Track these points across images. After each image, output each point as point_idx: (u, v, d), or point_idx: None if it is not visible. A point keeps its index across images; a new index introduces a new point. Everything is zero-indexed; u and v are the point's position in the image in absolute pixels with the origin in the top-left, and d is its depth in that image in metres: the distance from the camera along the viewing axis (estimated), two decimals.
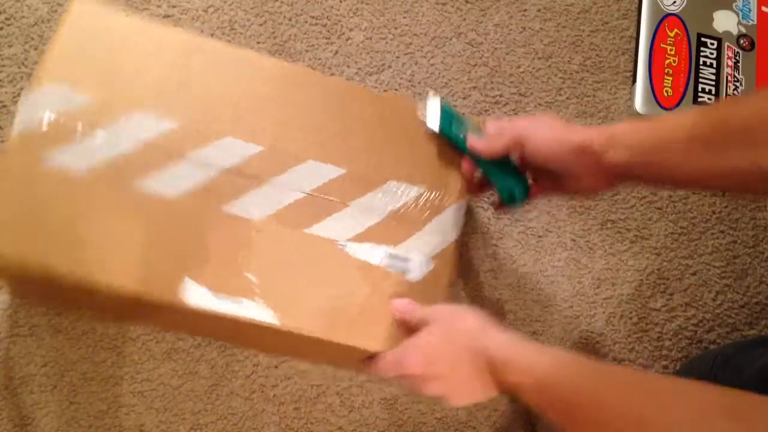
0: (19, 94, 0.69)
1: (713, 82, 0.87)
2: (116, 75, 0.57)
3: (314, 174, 0.59)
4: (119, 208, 0.54)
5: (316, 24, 0.80)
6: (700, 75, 0.87)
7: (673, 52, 0.88)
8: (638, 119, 0.54)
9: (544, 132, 0.56)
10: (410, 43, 0.82)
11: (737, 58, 0.89)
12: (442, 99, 0.62)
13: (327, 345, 0.56)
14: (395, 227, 0.59)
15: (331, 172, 0.59)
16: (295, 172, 0.58)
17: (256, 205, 0.57)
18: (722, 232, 0.83)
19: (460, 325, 0.53)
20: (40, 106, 0.54)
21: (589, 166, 0.54)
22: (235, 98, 0.59)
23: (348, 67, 0.79)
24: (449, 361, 0.52)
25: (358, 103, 0.62)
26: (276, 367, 0.68)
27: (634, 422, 0.41)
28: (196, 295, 0.53)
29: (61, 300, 0.63)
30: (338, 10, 0.81)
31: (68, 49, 0.56)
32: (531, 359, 0.49)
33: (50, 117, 0.54)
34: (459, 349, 0.52)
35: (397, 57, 0.81)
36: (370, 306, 0.57)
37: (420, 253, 0.59)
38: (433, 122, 0.60)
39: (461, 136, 0.60)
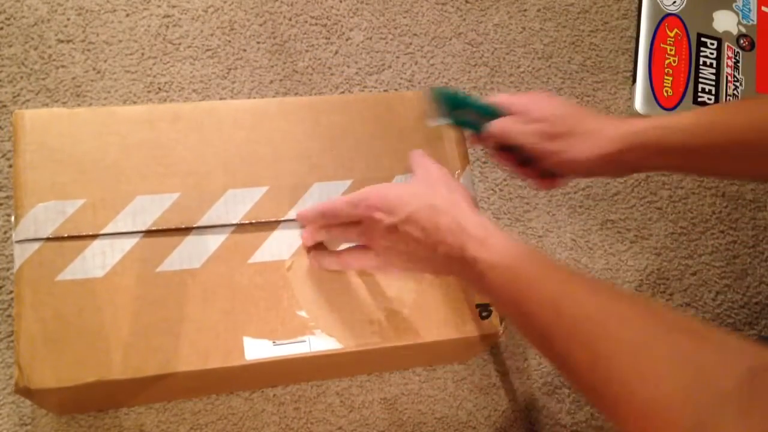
0: (18, 94, 0.69)
1: (713, 82, 0.87)
2: (96, 169, 0.55)
3: (324, 195, 0.59)
4: (150, 297, 0.53)
5: (316, 24, 0.80)
6: (700, 75, 0.87)
7: (673, 52, 0.88)
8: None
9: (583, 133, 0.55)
10: (410, 43, 0.82)
11: (737, 58, 0.89)
12: (439, 89, 0.61)
13: (399, 350, 0.58)
14: None
15: (339, 187, 0.59)
16: (305, 201, 0.58)
17: (280, 245, 0.57)
18: (722, 232, 0.83)
19: (439, 191, 0.50)
20: (37, 229, 0.53)
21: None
22: (219, 151, 0.58)
23: (348, 67, 0.79)
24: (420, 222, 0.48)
25: (332, 114, 0.62)
26: None
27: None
28: (258, 351, 0.54)
29: (112, 401, 0.63)
30: (338, 10, 0.81)
31: (37, 164, 0.54)
32: (506, 243, 0.45)
33: (49, 235, 0.52)
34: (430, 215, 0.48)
35: (397, 57, 0.81)
36: (422, 299, 0.58)
37: None
38: (436, 118, 0.60)
39: (471, 120, 0.59)
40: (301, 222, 0.57)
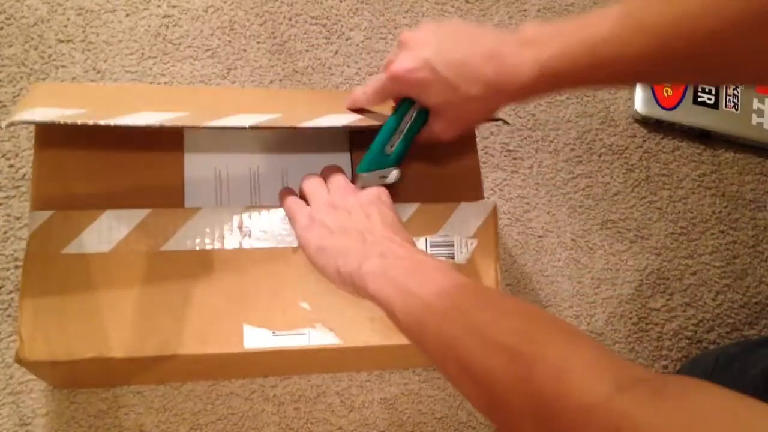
0: (19, 94, 0.69)
1: None
2: (103, 100, 0.55)
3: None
4: (154, 276, 0.53)
5: (316, 24, 0.80)
6: None
7: None
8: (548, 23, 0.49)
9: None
10: None
11: None
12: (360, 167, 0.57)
13: (398, 349, 0.57)
14: (427, 216, 0.59)
15: (347, 118, 0.58)
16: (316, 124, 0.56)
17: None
18: (722, 232, 0.83)
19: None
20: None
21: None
22: (229, 97, 0.59)
23: (348, 67, 0.79)
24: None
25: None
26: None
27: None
28: (257, 340, 0.54)
29: (110, 378, 0.63)
30: (338, 10, 0.81)
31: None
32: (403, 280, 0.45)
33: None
34: None
35: None
36: None
37: (459, 233, 0.58)
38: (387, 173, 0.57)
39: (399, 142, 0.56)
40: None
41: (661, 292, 0.79)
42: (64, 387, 0.63)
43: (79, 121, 0.47)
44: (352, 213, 0.50)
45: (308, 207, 0.53)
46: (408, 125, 0.55)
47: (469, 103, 0.51)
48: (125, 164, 0.56)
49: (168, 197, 0.56)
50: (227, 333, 0.53)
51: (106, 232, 0.53)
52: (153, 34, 0.75)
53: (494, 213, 0.60)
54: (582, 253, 0.79)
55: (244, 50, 0.77)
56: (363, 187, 0.54)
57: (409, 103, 0.55)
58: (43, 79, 0.70)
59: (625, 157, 0.84)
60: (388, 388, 0.69)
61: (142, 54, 0.74)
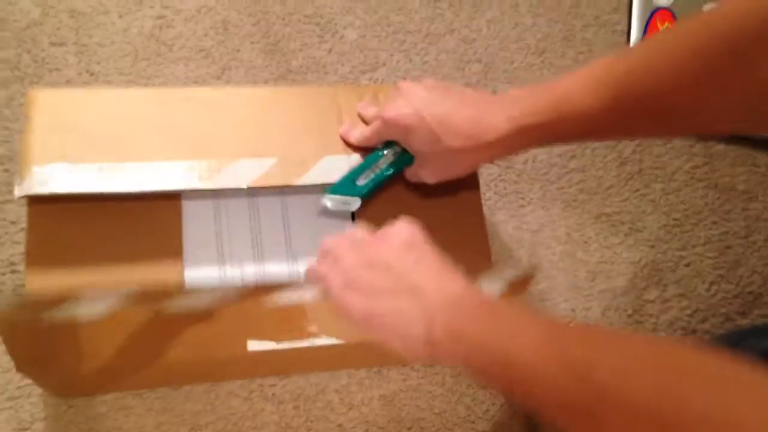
0: (12, 98, 0.69)
1: None
2: (106, 142, 0.55)
3: (333, 168, 0.59)
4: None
5: (309, 23, 0.80)
6: None
7: None
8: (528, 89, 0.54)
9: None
10: (404, 41, 0.82)
11: None
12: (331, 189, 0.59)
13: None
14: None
15: (349, 161, 0.60)
16: (312, 173, 0.58)
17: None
18: (714, 223, 0.84)
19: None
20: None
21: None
22: (227, 127, 0.58)
23: (342, 65, 0.79)
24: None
25: (348, 96, 0.63)
26: None
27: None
28: (260, 346, 0.55)
29: (108, 381, 0.63)
30: (331, 9, 0.81)
31: (47, 136, 0.54)
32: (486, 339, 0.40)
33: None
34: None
35: (391, 55, 0.81)
36: None
37: None
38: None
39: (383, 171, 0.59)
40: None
41: (655, 284, 0.80)
42: (63, 394, 0.63)
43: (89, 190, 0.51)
44: (392, 267, 0.46)
45: (339, 265, 0.48)
46: (385, 165, 0.59)
47: (451, 154, 0.54)
48: (122, 215, 0.56)
49: (166, 251, 0.56)
50: (230, 343, 0.54)
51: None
52: (146, 35, 0.75)
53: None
54: (577, 247, 0.79)
55: (238, 50, 0.77)
56: (326, 208, 0.58)
57: (392, 147, 0.59)
58: (37, 83, 0.70)
59: (618, 151, 0.84)
60: (387, 385, 0.69)
61: (136, 56, 0.74)
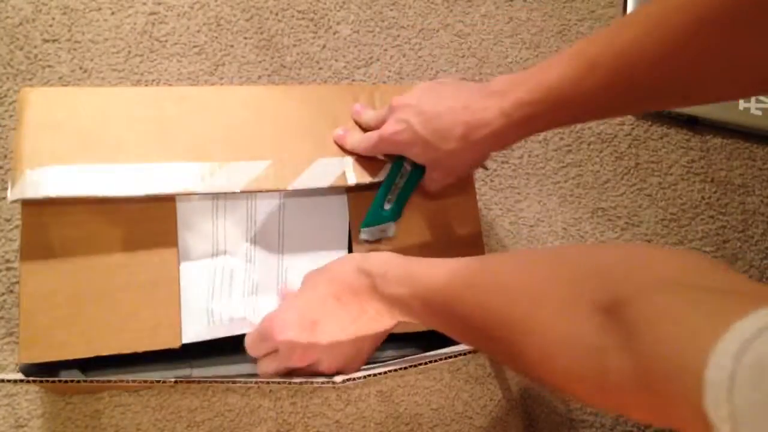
0: (5, 95, 0.69)
1: None
2: (100, 143, 0.55)
3: (326, 169, 0.59)
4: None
5: (303, 18, 0.79)
6: None
7: None
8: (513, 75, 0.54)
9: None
10: (398, 36, 0.82)
11: None
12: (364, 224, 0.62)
13: None
14: None
15: (342, 163, 0.60)
16: (306, 174, 0.59)
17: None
18: (711, 217, 0.84)
19: (334, 268, 0.53)
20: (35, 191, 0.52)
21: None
22: (221, 129, 0.58)
23: (336, 61, 0.79)
24: (314, 317, 0.51)
25: (340, 98, 0.63)
26: None
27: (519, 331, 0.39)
28: None
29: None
30: (325, 4, 0.80)
31: (39, 135, 0.54)
32: (413, 269, 0.47)
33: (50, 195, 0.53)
34: (324, 297, 0.51)
35: (385, 50, 0.81)
36: None
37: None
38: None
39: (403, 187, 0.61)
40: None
41: None
42: (60, 391, 0.62)
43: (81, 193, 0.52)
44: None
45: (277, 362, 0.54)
46: (403, 182, 0.60)
47: (452, 157, 0.56)
48: (117, 213, 0.56)
49: (161, 250, 0.56)
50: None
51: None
52: (139, 31, 0.74)
53: None
54: (574, 242, 0.79)
55: (232, 46, 0.76)
56: (367, 241, 0.61)
57: (401, 162, 0.60)
58: (30, 80, 0.70)
59: (615, 145, 0.84)
60: (384, 381, 0.69)
61: (129, 52, 0.73)
